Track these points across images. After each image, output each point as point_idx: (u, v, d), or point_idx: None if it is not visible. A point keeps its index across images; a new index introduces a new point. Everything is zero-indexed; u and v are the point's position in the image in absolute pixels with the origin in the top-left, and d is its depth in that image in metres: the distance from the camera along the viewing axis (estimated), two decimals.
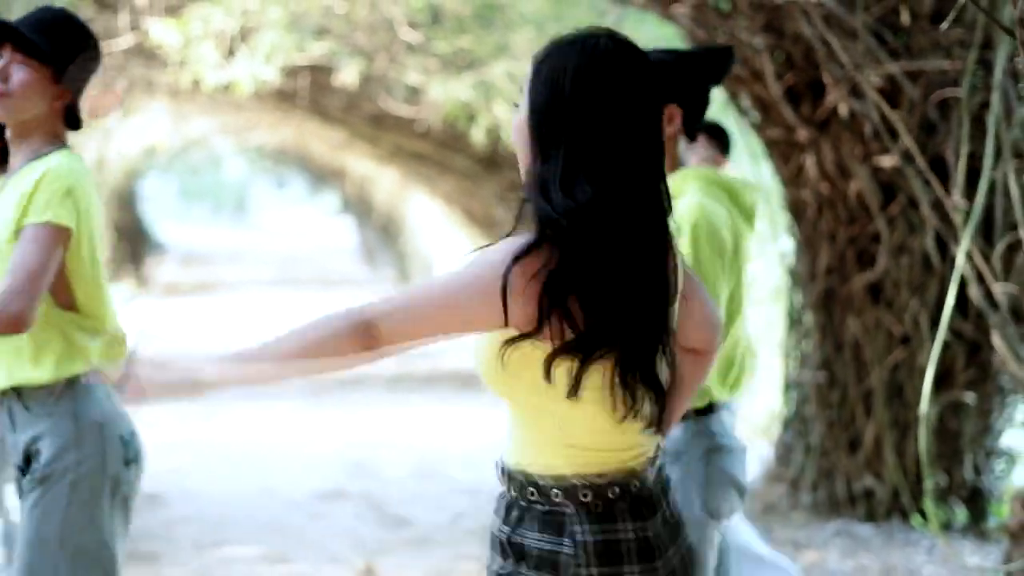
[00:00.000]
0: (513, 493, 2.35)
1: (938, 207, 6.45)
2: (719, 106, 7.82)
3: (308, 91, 13.78)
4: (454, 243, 19.45)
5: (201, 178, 46.44)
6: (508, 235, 2.28)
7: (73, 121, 3.45)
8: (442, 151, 15.66)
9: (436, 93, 11.86)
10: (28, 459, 3.34)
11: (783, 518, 7.08)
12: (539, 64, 2.31)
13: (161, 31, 10.10)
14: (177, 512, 7.57)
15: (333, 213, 44.69)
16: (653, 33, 9.53)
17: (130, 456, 3.41)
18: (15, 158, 3.42)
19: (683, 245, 3.36)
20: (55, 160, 3.34)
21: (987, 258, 5.92)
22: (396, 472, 8.75)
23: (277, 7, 10.73)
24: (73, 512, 3.32)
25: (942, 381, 6.60)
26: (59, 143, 3.43)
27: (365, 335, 2.25)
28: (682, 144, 3.62)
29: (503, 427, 2.42)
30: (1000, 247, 5.96)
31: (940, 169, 6.37)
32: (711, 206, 3.49)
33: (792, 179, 7.15)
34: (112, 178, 20.28)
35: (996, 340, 5.63)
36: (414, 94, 12.97)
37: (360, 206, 30.42)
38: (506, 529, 2.36)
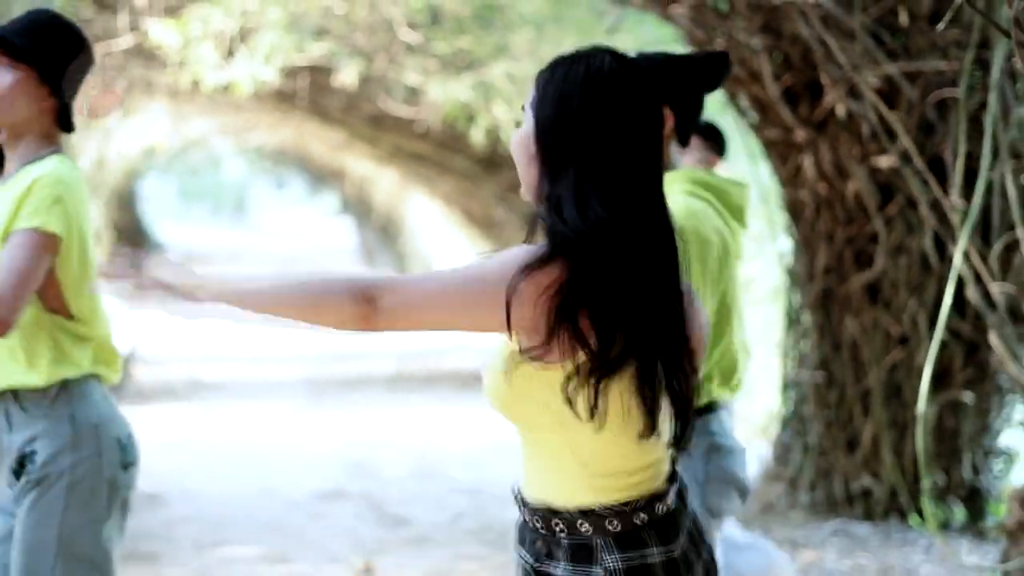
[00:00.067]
0: (537, 525, 2.34)
1: (936, 207, 6.47)
2: (718, 107, 7.83)
3: (307, 92, 13.79)
4: (453, 243, 19.46)
5: (200, 178, 46.43)
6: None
7: (66, 123, 3.46)
8: (441, 152, 15.68)
9: (435, 94, 11.88)
10: (22, 461, 3.34)
11: (781, 517, 7.09)
12: (545, 83, 2.32)
13: (160, 32, 10.12)
14: (177, 512, 7.59)
15: (332, 214, 44.68)
16: (652, 33, 9.55)
17: (127, 459, 3.42)
18: (10, 162, 3.43)
19: None
20: (48, 166, 3.34)
21: (984, 258, 5.93)
22: (396, 472, 8.76)
23: (276, 8, 10.75)
24: (70, 515, 3.33)
25: (940, 381, 6.62)
26: (53, 146, 3.43)
27: (365, 306, 2.22)
28: (675, 147, 3.64)
29: (516, 453, 2.40)
30: (997, 247, 5.97)
31: (938, 169, 6.39)
32: (696, 206, 3.51)
33: (790, 179, 7.16)
34: (112, 178, 20.29)
35: (993, 340, 5.65)
36: (413, 95, 12.99)
37: (359, 207, 30.43)
38: (533, 562, 2.35)
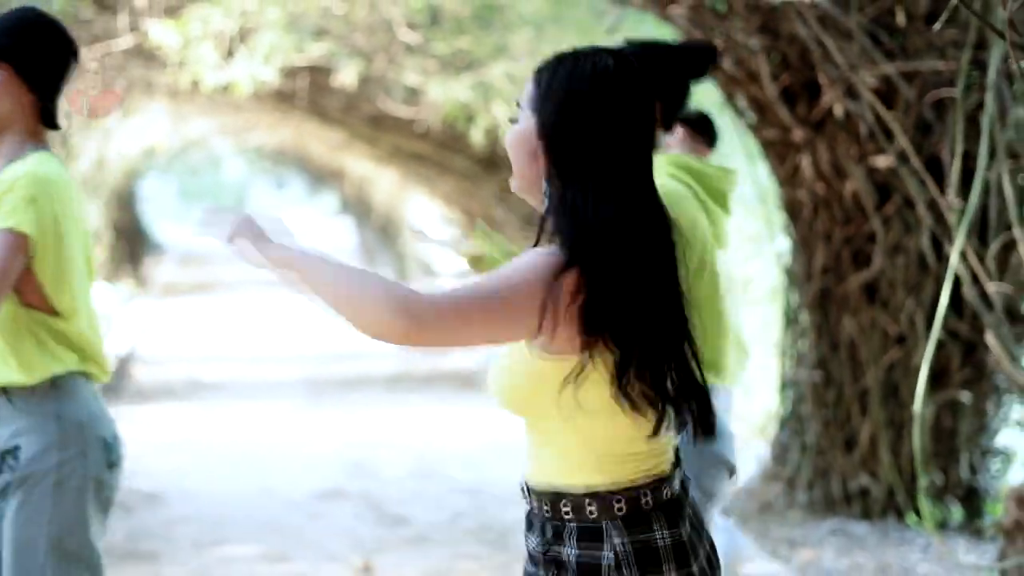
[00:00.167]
0: (546, 510, 2.36)
1: (933, 207, 6.48)
2: (716, 106, 7.84)
3: (307, 92, 13.80)
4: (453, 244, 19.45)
5: (200, 179, 46.42)
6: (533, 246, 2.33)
7: (50, 121, 3.47)
8: (441, 152, 15.69)
9: (435, 94, 11.89)
10: (4, 456, 3.35)
11: (779, 516, 7.11)
12: (549, 81, 2.33)
13: (160, 32, 10.13)
14: (176, 511, 7.60)
15: (332, 214, 44.69)
16: (651, 34, 9.56)
17: (112, 459, 3.43)
18: None
19: None
20: (28, 165, 3.35)
21: (982, 258, 5.95)
22: (395, 472, 8.77)
23: (276, 8, 10.75)
24: (59, 514, 3.33)
25: (938, 380, 6.63)
26: (37, 143, 3.45)
27: (407, 320, 2.19)
28: (669, 137, 3.67)
29: (521, 445, 2.42)
30: (995, 247, 5.99)
31: (935, 169, 6.40)
32: (671, 185, 3.53)
33: (788, 179, 7.18)
34: (112, 178, 20.29)
35: (990, 340, 5.66)
36: (413, 95, 13.00)
37: (359, 207, 30.43)
38: (542, 546, 2.37)
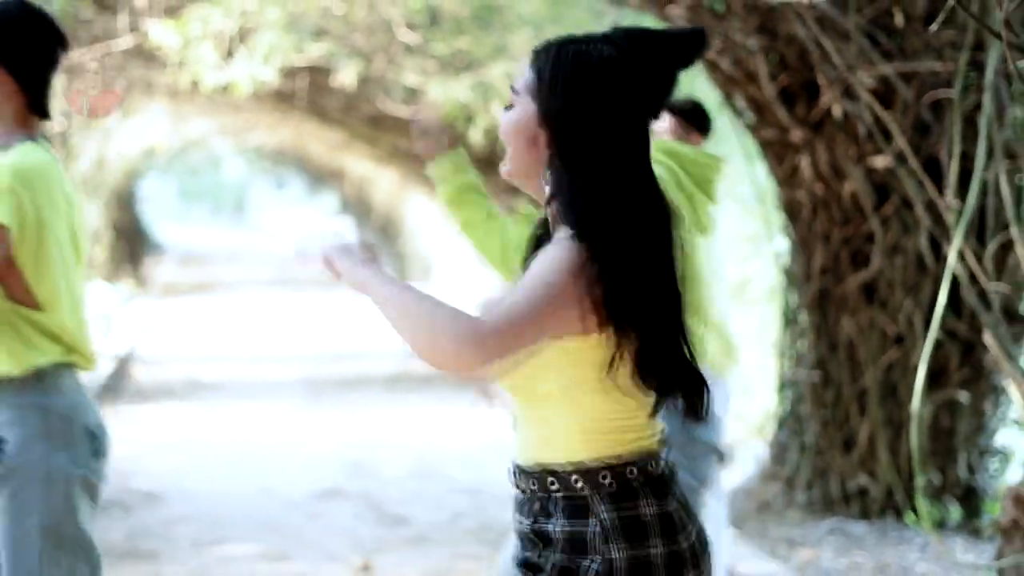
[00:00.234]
0: (533, 487, 2.38)
1: (931, 207, 6.49)
2: (715, 106, 7.85)
3: (307, 92, 13.83)
4: (452, 244, 19.48)
5: (200, 179, 46.47)
6: (540, 235, 2.39)
7: (41, 110, 3.48)
8: (441, 152, 15.68)
9: (434, 94, 11.90)
10: None
11: (778, 516, 7.12)
12: (552, 70, 2.35)
13: (160, 32, 10.15)
14: (176, 511, 7.61)
15: (332, 214, 44.70)
16: None
17: (98, 448, 3.44)
18: None
19: None
20: (12, 156, 3.38)
21: (980, 258, 5.96)
22: (394, 471, 8.78)
23: (275, 8, 10.77)
24: (49, 505, 3.35)
25: (936, 380, 6.64)
26: (27, 134, 3.46)
27: (477, 349, 2.20)
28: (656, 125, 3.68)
29: (509, 430, 2.44)
30: (992, 247, 6.00)
31: (933, 170, 6.41)
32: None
33: (787, 180, 7.19)
34: (112, 178, 20.31)
35: (988, 339, 5.67)
36: (412, 95, 13.01)
37: (359, 207, 30.46)
38: (529, 522, 2.39)
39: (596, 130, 2.32)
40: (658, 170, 3.58)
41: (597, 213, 2.29)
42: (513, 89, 2.42)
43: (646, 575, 2.31)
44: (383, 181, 24.28)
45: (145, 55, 11.63)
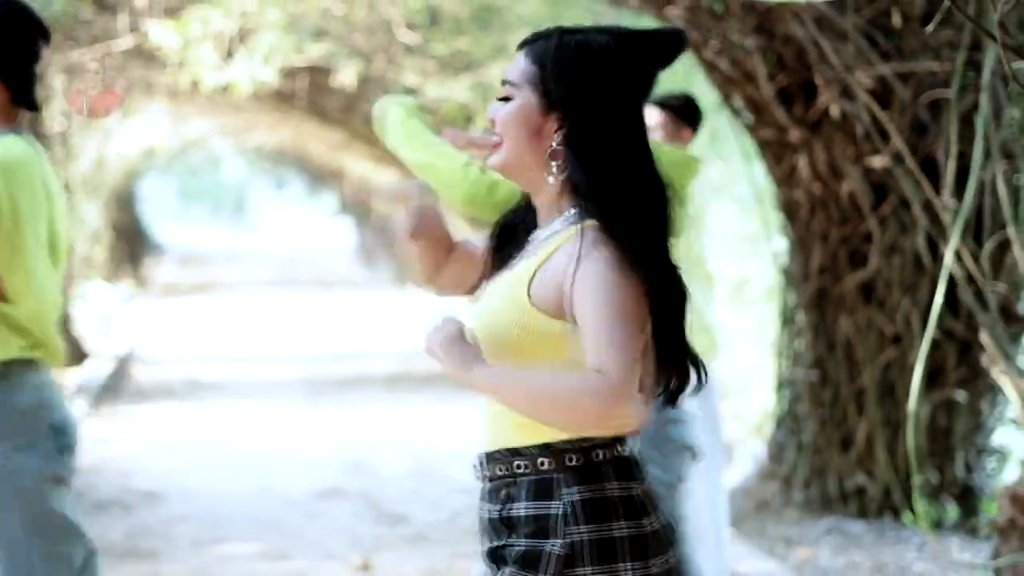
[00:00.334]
0: (500, 473, 2.38)
1: (929, 207, 6.51)
2: (712, 107, 7.87)
3: (306, 92, 13.84)
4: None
5: (200, 179, 46.47)
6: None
7: (28, 103, 3.49)
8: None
9: (434, 94, 11.92)
10: None
11: (776, 515, 7.13)
12: (556, 59, 2.37)
13: (160, 32, 10.16)
14: (176, 510, 7.62)
15: (332, 214, 44.71)
16: None
17: (64, 444, 3.43)
18: None
19: None
20: None
21: (976, 258, 5.97)
22: (394, 471, 8.79)
23: (275, 8, 10.79)
24: (24, 498, 3.34)
25: (934, 379, 6.65)
26: (9, 126, 3.47)
27: (609, 397, 2.22)
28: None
29: (477, 420, 2.46)
30: (989, 246, 6.01)
31: (931, 169, 6.42)
32: None
33: (785, 179, 7.20)
34: (111, 178, 20.32)
35: (985, 339, 5.69)
36: (412, 95, 13.03)
37: (359, 207, 30.45)
38: (496, 508, 2.39)
39: (608, 115, 2.34)
40: None
41: (616, 199, 2.31)
42: (508, 81, 2.41)
43: (610, 556, 2.30)
44: (383, 181, 24.27)
45: (145, 55, 11.64)
